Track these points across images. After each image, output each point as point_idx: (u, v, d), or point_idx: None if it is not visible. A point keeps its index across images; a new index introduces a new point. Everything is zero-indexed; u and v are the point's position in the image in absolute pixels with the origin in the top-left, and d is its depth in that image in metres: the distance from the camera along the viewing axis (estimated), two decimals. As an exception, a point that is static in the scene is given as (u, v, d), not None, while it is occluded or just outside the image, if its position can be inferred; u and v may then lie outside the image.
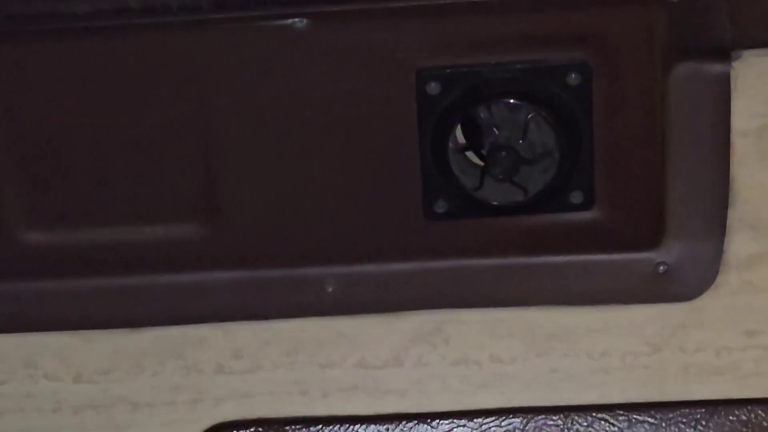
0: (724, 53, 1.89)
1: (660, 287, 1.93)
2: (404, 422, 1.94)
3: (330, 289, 1.95)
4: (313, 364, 1.96)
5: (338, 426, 1.95)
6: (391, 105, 1.85)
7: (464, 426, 1.93)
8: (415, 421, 1.94)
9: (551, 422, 1.93)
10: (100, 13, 1.75)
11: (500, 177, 1.80)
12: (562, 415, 1.93)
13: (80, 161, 1.90)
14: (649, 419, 1.94)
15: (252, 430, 1.96)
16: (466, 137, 1.83)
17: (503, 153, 1.79)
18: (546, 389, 1.94)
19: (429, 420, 1.94)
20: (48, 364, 1.96)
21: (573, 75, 1.78)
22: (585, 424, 1.93)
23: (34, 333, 1.98)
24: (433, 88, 1.79)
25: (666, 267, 1.91)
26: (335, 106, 1.88)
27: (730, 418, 1.93)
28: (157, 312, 1.97)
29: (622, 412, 1.93)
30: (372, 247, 1.97)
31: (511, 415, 1.93)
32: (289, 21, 1.76)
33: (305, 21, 1.75)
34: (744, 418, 1.92)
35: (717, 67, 1.88)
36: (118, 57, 1.83)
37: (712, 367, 1.93)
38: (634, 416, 1.94)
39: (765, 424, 1.91)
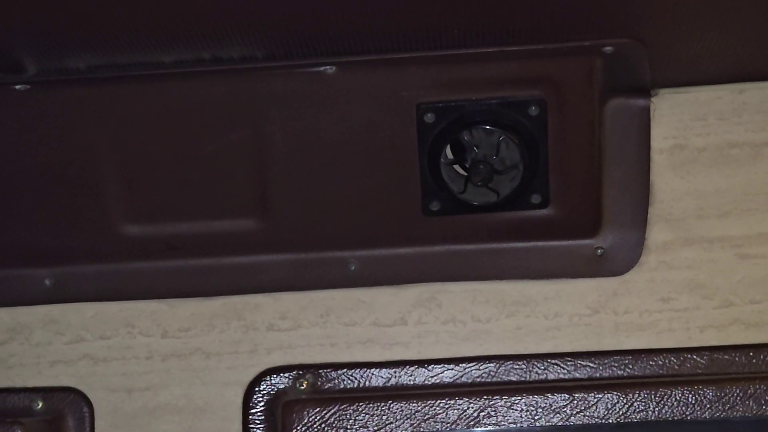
0: (645, 92, 1.96)
1: (598, 265, 1.97)
2: (408, 366, 1.95)
3: (352, 268, 2.00)
4: (340, 324, 2.00)
5: (358, 369, 1.98)
6: (398, 130, 1.88)
7: (452, 369, 1.94)
8: (416, 366, 1.96)
9: (516, 366, 1.94)
10: (181, 62, 1.79)
11: (479, 184, 1.85)
12: (525, 361, 1.94)
13: (167, 173, 1.94)
14: (590, 364, 1.95)
15: (294, 372, 1.98)
16: (453, 154, 1.88)
17: (481, 166, 1.84)
18: (513, 342, 1.97)
19: (426, 365, 1.96)
20: (142, 324, 2.01)
21: (533, 108, 1.83)
22: (542, 367, 1.94)
23: (132, 301, 2.04)
24: (429, 117, 1.84)
25: (602, 250, 1.96)
26: (356, 131, 1.91)
27: (650, 363, 1.94)
28: (224, 285, 2.01)
29: (569, 359, 1.95)
30: (384, 236, 2.01)
31: (487, 361, 1.95)
32: (322, 68, 1.79)
33: (334, 68, 1.78)
34: (660, 362, 1.94)
35: (640, 102, 1.94)
36: (194, 94, 1.86)
37: (636, 325, 1.97)
38: (579, 362, 1.95)
39: (676, 367, 1.93)
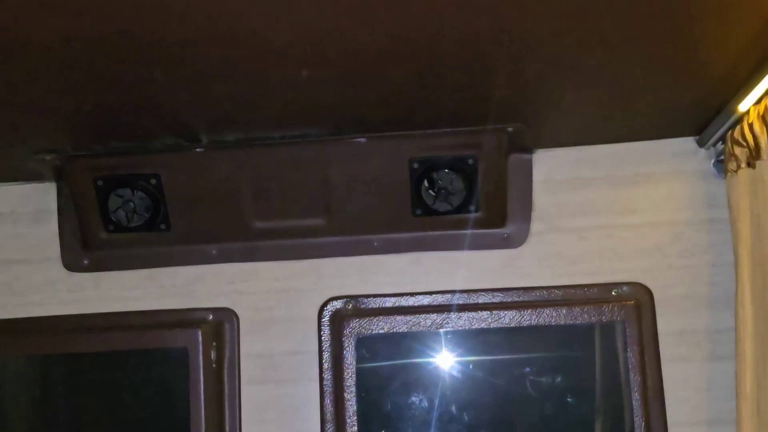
0: (529, 150, 2.31)
1: (505, 242, 2.34)
2: (404, 296, 2.33)
3: (375, 244, 2.36)
4: (368, 274, 2.35)
5: (377, 298, 2.34)
6: (398, 172, 2.25)
7: (428, 296, 2.32)
8: (408, 296, 2.33)
9: (463, 295, 2.32)
10: (285, 136, 2.15)
11: (442, 200, 2.28)
12: (467, 294, 2.33)
13: (277, 193, 2.27)
14: (501, 294, 2.32)
15: (344, 300, 2.34)
16: (428, 184, 2.27)
17: (443, 191, 2.26)
18: (462, 282, 2.34)
19: (414, 295, 2.34)
20: (264, 273, 2.38)
21: (470, 160, 2.22)
22: (476, 296, 2.32)
23: (260, 262, 2.38)
24: (415, 165, 2.23)
25: (507, 234, 2.34)
26: (375, 173, 2.24)
27: (533, 293, 2.30)
28: (308, 253, 2.35)
29: (491, 292, 2.33)
30: (392, 227, 2.34)
31: (448, 294, 2.33)
32: (359, 140, 2.17)
33: (365, 139, 2.17)
34: (537, 293, 2.30)
35: (526, 156, 2.32)
36: (291, 153, 2.20)
37: (525, 273, 2.33)
38: (496, 293, 2.33)
39: (546, 295, 2.29)
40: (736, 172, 2.08)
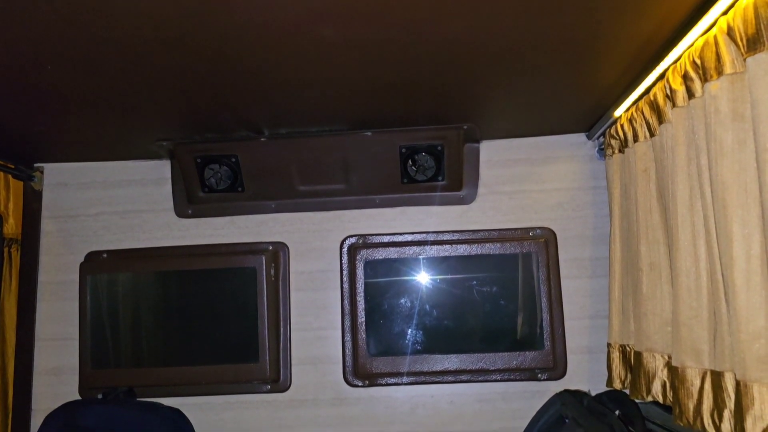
0: (477, 141, 2.26)
1: (461, 201, 2.33)
2: (395, 235, 2.31)
3: (377, 201, 2.34)
4: (371, 220, 2.35)
5: (378, 236, 2.31)
6: (393, 154, 2.22)
7: (411, 234, 2.30)
8: (398, 234, 2.31)
9: (433, 234, 2.31)
10: (319, 131, 2.13)
11: (421, 173, 2.26)
12: (436, 234, 2.31)
13: (312, 166, 2.23)
14: (458, 234, 2.30)
15: (356, 237, 2.33)
16: (411, 162, 2.25)
17: (421, 167, 2.25)
18: (433, 225, 2.33)
19: (401, 234, 2.32)
20: (304, 221, 2.35)
21: (438, 147, 2.21)
22: (442, 236, 2.30)
23: (303, 212, 2.36)
24: (403, 150, 2.21)
25: (463, 195, 2.32)
26: (376, 155, 2.21)
27: (479, 234, 2.29)
28: (332, 206, 2.34)
29: (452, 232, 2.31)
30: (388, 190, 2.32)
31: (425, 234, 2.31)
32: (367, 133, 2.14)
33: (370, 133, 2.14)
34: (482, 234, 2.29)
35: (475, 145, 2.31)
36: (323, 142, 2.17)
37: (474, 220, 2.32)
38: (454, 234, 2.31)
39: (487, 235, 2.28)
40: (611, 156, 2.10)
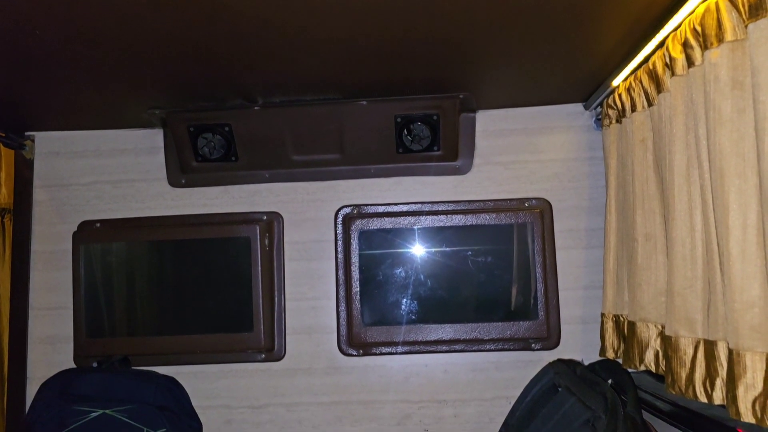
0: (473, 111, 2.26)
1: (457, 171, 2.31)
2: (390, 205, 2.30)
3: (372, 171, 2.32)
4: (366, 190, 2.32)
5: (372, 206, 2.29)
6: (387, 123, 2.18)
7: (407, 205, 2.28)
8: (393, 205, 2.30)
9: (429, 205, 2.29)
10: (313, 99, 2.10)
11: (416, 142, 2.23)
12: (431, 204, 2.29)
13: (307, 137, 2.21)
14: (454, 205, 2.28)
15: (351, 207, 2.31)
16: (406, 132, 2.22)
17: (416, 136, 2.22)
18: (428, 196, 2.31)
19: (396, 205, 2.30)
20: (298, 190, 2.33)
21: (435, 117, 2.17)
22: (437, 206, 2.29)
23: (297, 182, 2.33)
24: (399, 119, 2.18)
25: (458, 165, 2.30)
26: (372, 124, 2.18)
27: (474, 204, 2.27)
28: (327, 176, 2.32)
29: (447, 203, 2.29)
30: (383, 161, 2.30)
31: (420, 204, 2.29)
32: (362, 102, 2.11)
33: (366, 102, 2.11)
34: (477, 205, 2.27)
35: (471, 115, 2.28)
36: (318, 110, 2.13)
37: (469, 190, 2.29)
38: (450, 205, 2.29)
39: (483, 205, 2.26)
40: (609, 126, 2.08)
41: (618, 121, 1.99)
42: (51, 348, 2.31)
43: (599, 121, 2.22)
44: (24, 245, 2.34)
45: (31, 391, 2.27)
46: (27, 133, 2.38)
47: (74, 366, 2.28)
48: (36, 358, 2.32)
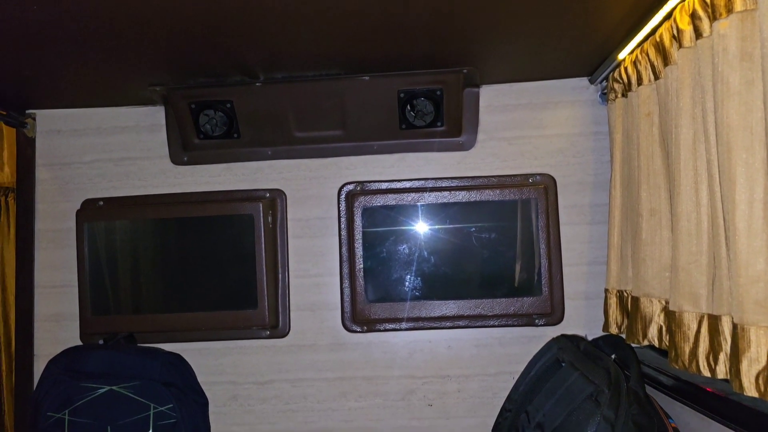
0: (477, 86, 2.22)
1: (460, 147, 2.29)
2: (394, 182, 2.28)
3: (375, 147, 2.30)
4: (370, 166, 2.31)
5: (375, 183, 2.28)
6: (390, 99, 2.17)
7: (411, 181, 2.28)
8: (397, 182, 2.28)
9: (432, 181, 2.27)
10: (315, 75, 2.08)
11: (419, 118, 2.22)
12: (434, 181, 2.28)
13: (309, 114, 2.20)
14: (457, 181, 2.28)
15: (354, 184, 2.30)
16: (409, 108, 2.20)
17: (420, 112, 2.20)
18: (431, 172, 2.30)
19: (399, 182, 2.29)
20: (302, 167, 2.32)
21: (438, 92, 2.16)
22: (440, 182, 2.28)
23: (300, 159, 2.32)
24: (402, 95, 2.16)
25: (462, 141, 2.29)
26: (374, 100, 2.16)
27: (477, 180, 2.26)
28: (331, 153, 2.30)
29: (451, 179, 2.28)
30: (386, 137, 2.28)
31: (423, 181, 2.29)
32: (364, 77, 2.09)
33: (368, 77, 2.09)
34: (480, 181, 2.25)
35: (475, 90, 2.26)
36: (319, 86, 2.12)
37: (472, 166, 2.29)
38: (453, 181, 2.28)
39: (486, 181, 2.24)
40: (614, 100, 2.06)
41: (624, 95, 1.97)
42: (57, 325, 2.33)
43: (604, 96, 2.20)
44: (28, 224, 2.35)
45: (38, 367, 2.29)
46: (28, 111, 2.38)
47: (80, 343, 2.30)
48: (42, 336, 2.34)
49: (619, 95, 2.01)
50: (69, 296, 2.32)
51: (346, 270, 2.27)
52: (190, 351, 2.27)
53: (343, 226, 2.29)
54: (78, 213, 2.31)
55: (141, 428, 1.98)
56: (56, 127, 2.38)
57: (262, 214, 2.24)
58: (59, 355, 2.12)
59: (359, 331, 2.28)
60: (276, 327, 2.30)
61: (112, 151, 2.37)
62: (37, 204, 2.37)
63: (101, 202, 2.35)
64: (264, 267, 2.23)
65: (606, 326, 2.05)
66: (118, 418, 1.98)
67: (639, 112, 1.81)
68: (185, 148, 2.32)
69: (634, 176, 1.85)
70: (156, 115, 2.35)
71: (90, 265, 2.30)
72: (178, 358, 2.20)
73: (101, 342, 2.20)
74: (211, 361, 2.30)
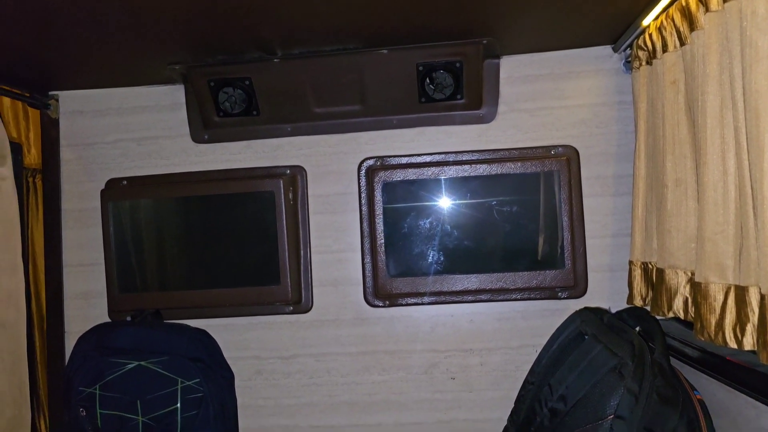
0: (497, 57, 2.20)
1: (481, 119, 2.27)
2: (413, 157, 2.27)
3: (394, 122, 2.29)
4: (389, 140, 2.30)
5: (395, 158, 2.27)
6: (409, 73, 2.15)
7: (430, 156, 2.25)
8: (416, 156, 2.27)
9: (453, 155, 2.25)
10: (334, 49, 2.07)
11: (439, 91, 2.20)
12: (455, 154, 2.26)
13: (328, 89, 2.18)
14: (479, 154, 2.26)
15: (374, 159, 2.30)
16: (429, 81, 2.18)
17: (439, 85, 2.18)
18: (453, 146, 2.29)
19: (419, 156, 2.27)
20: (323, 143, 2.33)
21: (457, 64, 2.13)
22: (460, 155, 2.26)
23: (319, 135, 2.33)
24: (421, 68, 2.14)
25: (482, 114, 2.26)
26: (393, 74, 2.15)
27: (500, 153, 2.24)
28: (349, 128, 2.31)
29: (473, 152, 2.26)
30: (406, 111, 2.27)
31: (444, 155, 2.27)
32: (383, 51, 2.08)
33: (387, 51, 2.08)
34: (502, 153, 2.24)
35: (495, 61, 2.23)
36: (339, 60, 2.11)
37: (493, 139, 2.26)
38: (475, 154, 2.26)
39: (508, 154, 2.22)
40: (638, 68, 2.02)
41: (648, 62, 1.93)
42: (86, 303, 2.38)
43: (628, 64, 2.16)
44: (54, 204, 2.39)
45: (69, 344, 2.35)
46: (51, 93, 2.40)
47: (109, 320, 2.34)
48: (72, 313, 2.39)
49: (644, 63, 1.96)
50: (96, 275, 2.37)
51: (367, 245, 2.28)
52: (216, 327, 2.31)
53: (363, 201, 2.29)
54: (102, 192, 2.34)
55: (169, 402, 2.04)
56: (79, 108, 2.40)
57: (282, 191, 2.24)
58: (89, 331, 2.18)
59: (381, 306, 2.29)
60: (299, 302, 2.31)
61: (133, 130, 2.39)
62: (62, 184, 2.41)
63: (125, 182, 2.38)
64: (286, 243, 2.25)
65: (630, 299, 2.03)
66: (147, 392, 2.03)
67: (664, 79, 1.77)
68: (205, 126, 2.33)
69: (659, 146, 1.82)
70: (176, 93, 2.36)
71: (116, 243, 2.33)
72: (204, 334, 2.24)
73: (129, 319, 2.24)
74: (235, 336, 2.33)
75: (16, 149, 2.21)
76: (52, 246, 2.38)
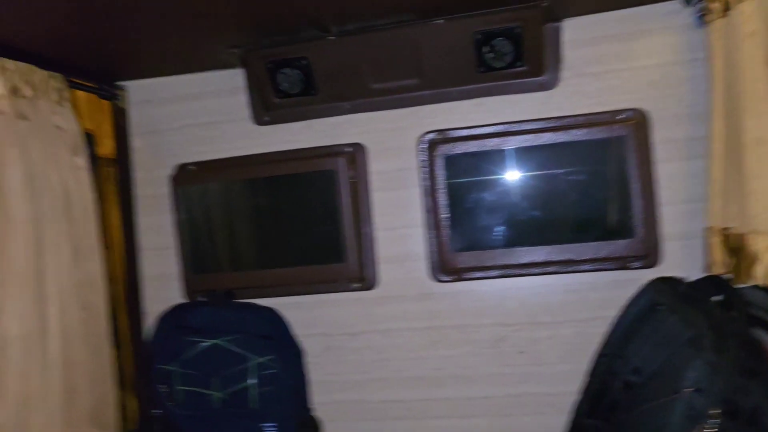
0: (558, 20, 2.14)
1: (543, 86, 2.21)
2: (471, 128, 2.23)
3: (454, 94, 2.25)
4: (447, 114, 2.27)
5: (453, 131, 2.23)
6: (467, 42, 2.10)
7: (484, 127, 2.22)
8: (472, 128, 2.22)
9: (513, 124, 2.21)
10: (388, 23, 2.07)
11: (498, 59, 2.15)
12: (517, 124, 2.21)
13: (382, 63, 2.16)
14: (541, 122, 2.21)
15: (435, 132, 2.27)
16: (489, 49, 2.13)
17: (498, 53, 2.13)
18: (512, 115, 2.23)
19: (477, 128, 2.22)
20: (377, 120, 2.33)
21: (517, 30, 2.07)
22: (523, 125, 2.21)
23: (370, 112, 2.34)
24: (478, 36, 2.08)
25: (544, 80, 2.20)
26: (450, 44, 2.10)
27: (562, 121, 2.18)
28: (406, 103, 2.28)
29: (536, 120, 2.21)
30: (464, 81, 2.23)
31: (500, 125, 2.22)
32: (439, 21, 2.04)
33: (443, 21, 2.04)
34: (566, 121, 2.17)
35: (555, 25, 2.15)
36: (393, 34, 2.09)
37: (556, 106, 2.20)
38: (538, 123, 2.21)
39: (573, 121, 2.15)
40: (712, 22, 1.90)
41: (723, 14, 1.82)
42: (161, 284, 2.48)
43: (701, 18, 2.03)
44: (128, 191, 2.48)
45: (147, 324, 2.46)
46: (117, 83, 2.48)
47: (184, 300, 2.44)
48: (150, 294, 2.50)
49: (719, 15, 1.85)
50: (170, 257, 2.46)
51: (431, 220, 2.26)
52: (284, 305, 2.34)
53: (425, 176, 2.27)
54: (172, 178, 2.42)
55: (245, 378, 2.12)
56: (144, 97, 2.47)
57: (343, 169, 2.26)
58: (168, 311, 2.28)
59: (447, 281, 2.28)
60: (364, 279, 2.33)
61: (197, 116, 2.43)
62: (135, 172, 2.50)
63: (192, 167, 2.44)
64: (349, 221, 2.27)
65: (707, 267, 1.95)
66: (223, 369, 2.12)
67: (741, 32, 1.67)
68: (266, 108, 2.35)
69: (738, 104, 1.72)
70: (235, 78, 2.38)
71: (187, 226, 2.42)
72: (273, 312, 2.29)
73: (203, 299, 2.32)
74: (304, 314, 2.37)
75: (91, 140, 2.30)
76: (129, 231, 2.48)
